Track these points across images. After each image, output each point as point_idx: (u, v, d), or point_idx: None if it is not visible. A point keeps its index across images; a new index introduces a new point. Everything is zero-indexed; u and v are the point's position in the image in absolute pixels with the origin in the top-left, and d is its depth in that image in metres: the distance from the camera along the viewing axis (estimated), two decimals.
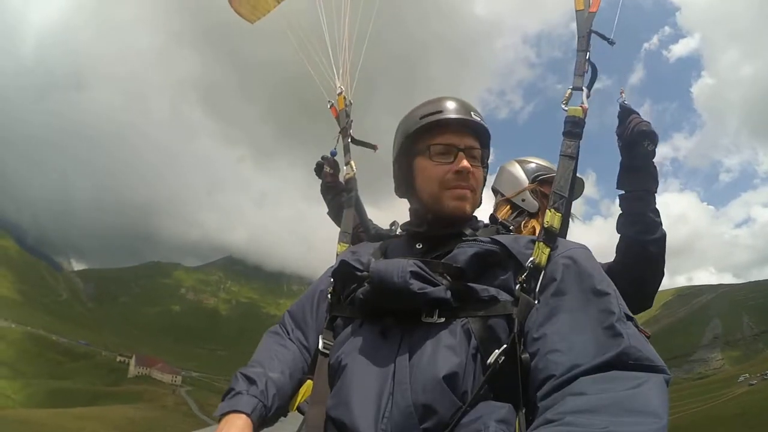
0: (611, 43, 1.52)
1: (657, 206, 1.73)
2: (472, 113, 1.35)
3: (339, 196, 2.22)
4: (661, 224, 1.74)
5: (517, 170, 2.07)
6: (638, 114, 1.72)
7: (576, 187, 1.84)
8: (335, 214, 2.24)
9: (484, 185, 1.40)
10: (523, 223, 1.96)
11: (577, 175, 1.80)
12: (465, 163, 1.30)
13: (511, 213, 2.01)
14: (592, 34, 1.50)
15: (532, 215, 1.97)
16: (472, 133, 1.36)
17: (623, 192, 1.76)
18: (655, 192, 1.72)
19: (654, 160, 1.71)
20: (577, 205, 1.87)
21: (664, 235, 1.74)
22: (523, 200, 1.99)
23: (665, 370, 0.94)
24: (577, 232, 1.89)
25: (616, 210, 1.83)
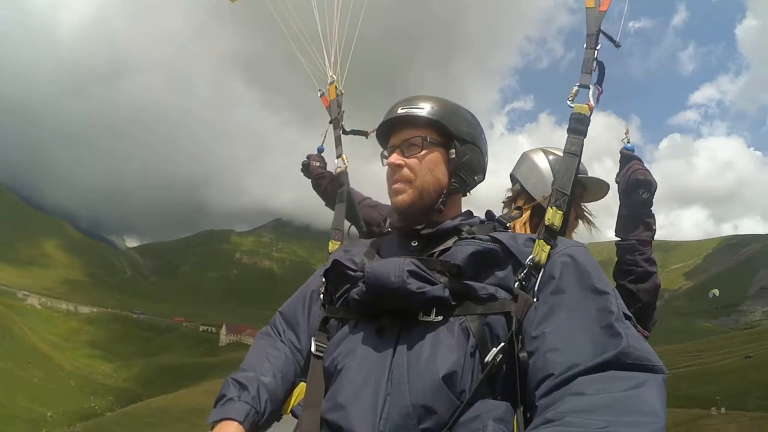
0: (617, 45, 1.53)
1: (652, 255, 1.78)
2: (399, 108, 1.34)
3: (332, 184, 2.19)
4: (654, 273, 1.78)
5: (543, 163, 1.93)
6: (639, 160, 1.77)
7: (597, 190, 1.92)
8: (331, 203, 2.18)
9: (447, 165, 1.34)
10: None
11: (601, 178, 1.89)
12: (390, 159, 1.34)
13: (531, 208, 1.92)
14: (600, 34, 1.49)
15: None
16: (412, 126, 1.34)
17: (619, 239, 1.81)
18: (651, 241, 1.78)
19: (651, 207, 1.76)
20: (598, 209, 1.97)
21: (656, 285, 1.79)
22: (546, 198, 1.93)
23: (663, 370, 0.95)
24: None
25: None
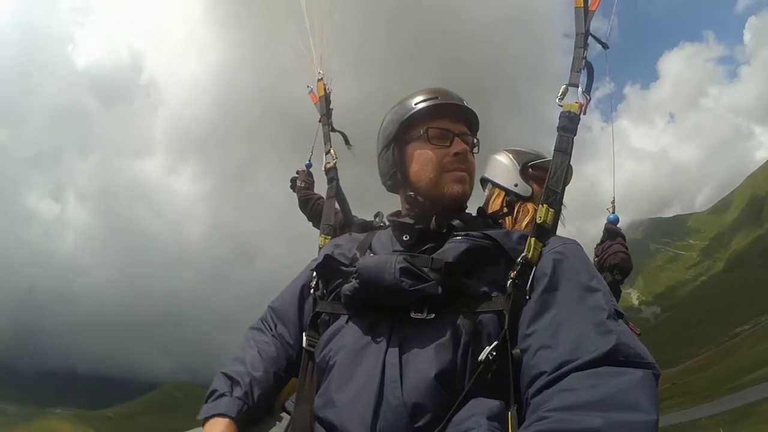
0: (605, 47, 1.54)
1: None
2: (464, 101, 1.36)
3: (317, 206, 2.26)
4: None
5: (508, 158, 2.07)
6: (622, 238, 1.84)
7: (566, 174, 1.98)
8: (318, 223, 2.20)
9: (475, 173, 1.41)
10: (518, 206, 1.98)
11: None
12: (464, 146, 1.31)
13: (505, 199, 2.01)
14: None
15: (527, 199, 1.99)
16: (464, 121, 1.36)
17: None
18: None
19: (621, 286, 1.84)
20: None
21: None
22: (516, 185, 1.99)
23: (655, 367, 0.96)
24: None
25: None
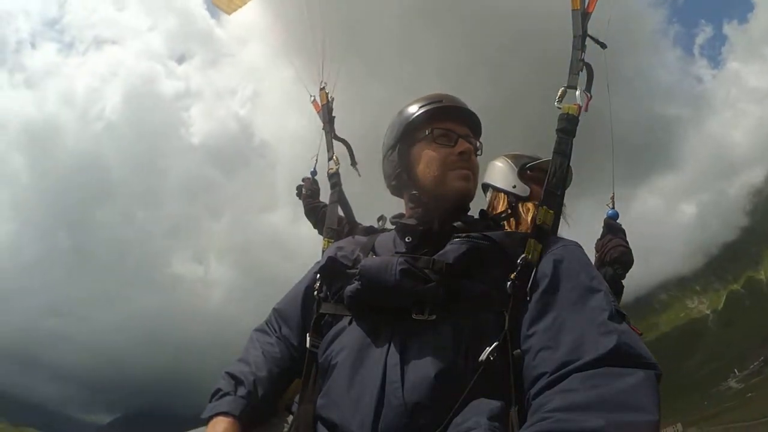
0: (603, 46, 1.55)
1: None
2: (464, 105, 1.40)
3: (323, 214, 2.27)
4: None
5: (505, 162, 2.13)
6: (623, 233, 1.83)
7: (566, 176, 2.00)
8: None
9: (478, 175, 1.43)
10: (519, 206, 2.03)
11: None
12: (468, 146, 1.34)
13: (507, 201, 2.06)
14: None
15: (526, 200, 2.04)
16: (468, 124, 1.40)
17: None
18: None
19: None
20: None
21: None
22: (515, 186, 2.04)
23: (657, 367, 0.95)
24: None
25: None
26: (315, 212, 2.44)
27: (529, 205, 1.96)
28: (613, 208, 1.88)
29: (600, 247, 1.82)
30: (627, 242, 1.84)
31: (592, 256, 1.95)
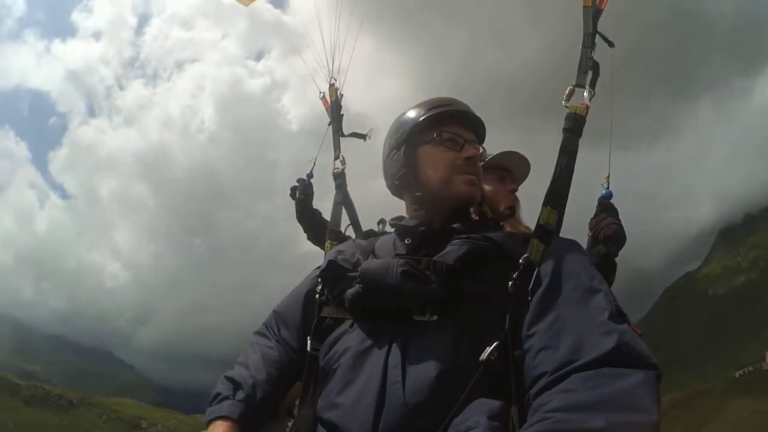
0: (611, 45, 1.53)
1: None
2: (469, 110, 1.41)
3: (315, 218, 2.26)
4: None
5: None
6: (615, 212, 1.82)
7: (523, 165, 2.01)
8: (314, 237, 2.25)
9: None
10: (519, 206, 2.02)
11: (521, 153, 1.98)
12: (474, 150, 1.36)
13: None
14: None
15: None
16: (474, 131, 1.41)
17: None
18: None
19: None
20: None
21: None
22: None
23: (657, 367, 0.95)
24: None
25: None
26: (307, 218, 2.34)
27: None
28: (608, 188, 1.87)
29: (593, 225, 1.81)
30: (620, 221, 1.83)
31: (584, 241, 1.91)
